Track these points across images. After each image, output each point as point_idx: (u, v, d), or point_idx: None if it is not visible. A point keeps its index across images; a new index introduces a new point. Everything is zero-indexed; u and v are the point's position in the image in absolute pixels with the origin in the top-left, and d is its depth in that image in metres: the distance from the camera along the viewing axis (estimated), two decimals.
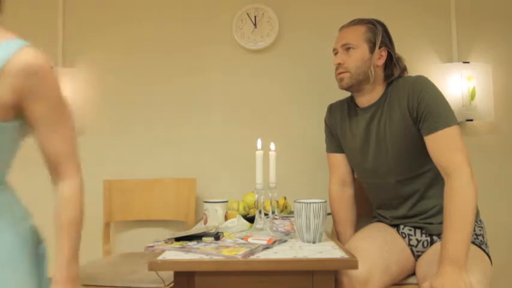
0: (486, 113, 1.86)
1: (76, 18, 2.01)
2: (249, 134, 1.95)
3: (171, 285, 1.35)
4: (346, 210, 1.53)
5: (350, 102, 1.48)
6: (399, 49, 1.44)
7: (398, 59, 1.40)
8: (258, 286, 0.97)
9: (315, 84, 1.95)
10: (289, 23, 1.97)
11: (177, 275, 0.98)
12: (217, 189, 1.94)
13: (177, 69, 1.99)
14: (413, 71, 1.91)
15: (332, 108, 1.56)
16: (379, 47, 1.36)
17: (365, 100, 1.40)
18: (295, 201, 1.16)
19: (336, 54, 1.42)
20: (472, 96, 1.85)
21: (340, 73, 1.38)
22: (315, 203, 1.12)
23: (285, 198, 1.68)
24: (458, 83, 1.86)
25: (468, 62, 1.89)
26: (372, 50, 1.35)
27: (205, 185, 1.95)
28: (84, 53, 2.00)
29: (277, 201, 1.65)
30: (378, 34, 1.36)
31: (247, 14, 1.94)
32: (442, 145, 1.19)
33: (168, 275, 1.36)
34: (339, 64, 1.38)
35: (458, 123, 1.21)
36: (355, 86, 1.38)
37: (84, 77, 1.98)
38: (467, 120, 1.85)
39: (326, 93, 1.89)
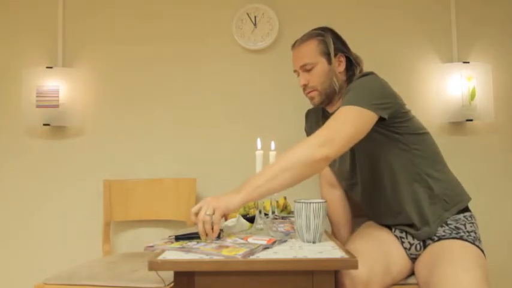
0: (486, 113, 1.86)
1: (76, 18, 2.01)
2: (249, 134, 1.95)
3: (171, 285, 1.35)
4: (338, 212, 1.54)
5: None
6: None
7: (356, 58, 1.41)
8: (258, 286, 0.97)
9: None
10: (289, 23, 1.97)
11: (177, 275, 0.98)
12: (217, 189, 1.94)
13: (176, 70, 1.99)
14: (413, 70, 1.91)
15: (308, 115, 1.60)
16: (335, 55, 1.37)
17: (336, 107, 1.41)
18: (295, 201, 1.16)
19: (297, 75, 1.43)
20: (472, 96, 1.85)
21: (308, 93, 1.40)
22: (315, 203, 1.12)
23: (285, 198, 1.68)
24: (458, 83, 1.86)
25: (468, 62, 1.89)
26: (329, 61, 1.37)
27: (205, 185, 1.95)
28: (84, 53, 2.00)
29: (277, 201, 1.65)
30: (330, 43, 1.37)
31: (247, 14, 1.94)
32: (331, 117, 1.16)
33: (168, 275, 1.36)
34: (305, 85, 1.40)
35: (368, 109, 1.14)
36: (326, 101, 1.40)
37: (84, 77, 1.98)
38: (467, 120, 1.85)
39: None
